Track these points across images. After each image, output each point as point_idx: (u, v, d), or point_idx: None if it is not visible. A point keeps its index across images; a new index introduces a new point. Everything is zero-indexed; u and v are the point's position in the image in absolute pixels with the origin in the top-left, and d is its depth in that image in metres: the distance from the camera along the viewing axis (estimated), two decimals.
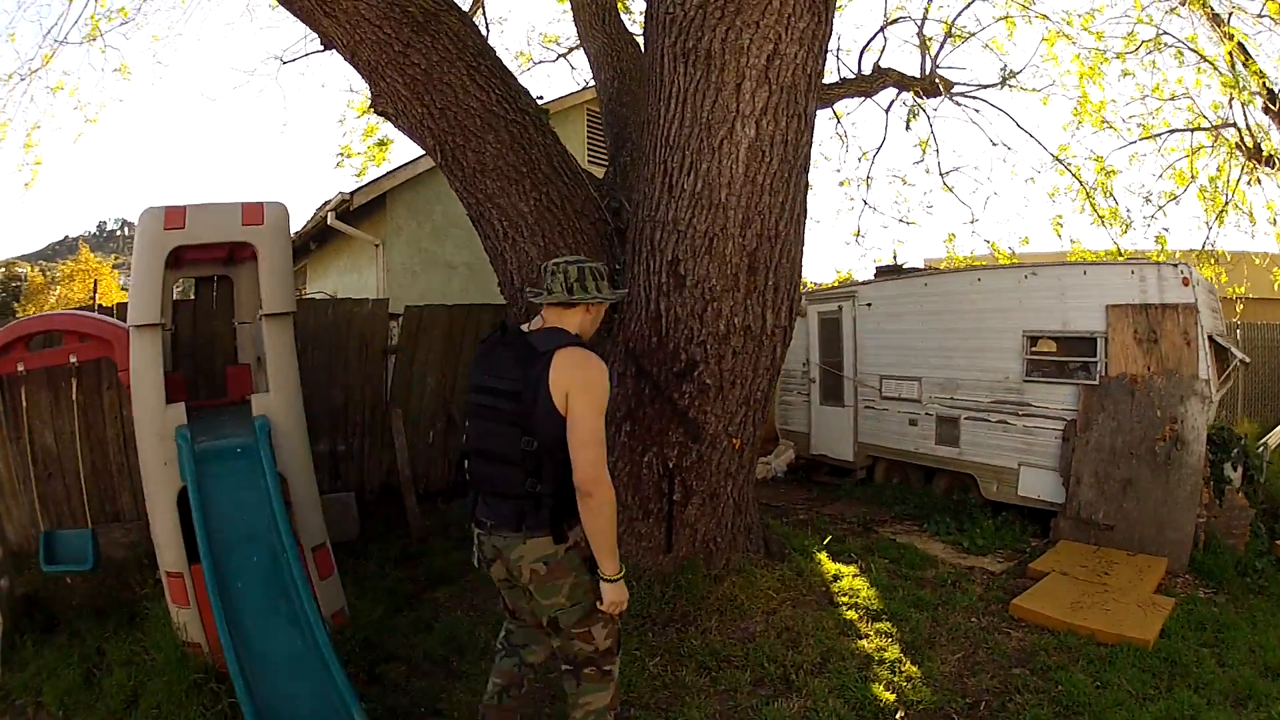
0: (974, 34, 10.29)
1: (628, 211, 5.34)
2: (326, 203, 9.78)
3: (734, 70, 4.36)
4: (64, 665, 4.30)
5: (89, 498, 5.26)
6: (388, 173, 9.92)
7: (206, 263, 5.43)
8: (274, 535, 3.93)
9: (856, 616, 4.85)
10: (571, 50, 12.55)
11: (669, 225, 4.68)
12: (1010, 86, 10.59)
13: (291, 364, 4.57)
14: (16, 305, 32.57)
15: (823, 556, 5.85)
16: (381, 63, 4.96)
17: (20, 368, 4.90)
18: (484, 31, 11.69)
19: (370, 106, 5.50)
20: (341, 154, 12.22)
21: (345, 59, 5.16)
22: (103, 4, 7.81)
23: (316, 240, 11.42)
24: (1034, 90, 10.79)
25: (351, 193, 9.45)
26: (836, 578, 5.47)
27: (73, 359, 4.95)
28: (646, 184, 4.86)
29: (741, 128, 4.42)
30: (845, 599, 5.11)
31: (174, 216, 4.25)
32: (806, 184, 4.85)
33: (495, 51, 5.35)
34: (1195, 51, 10.05)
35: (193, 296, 5.99)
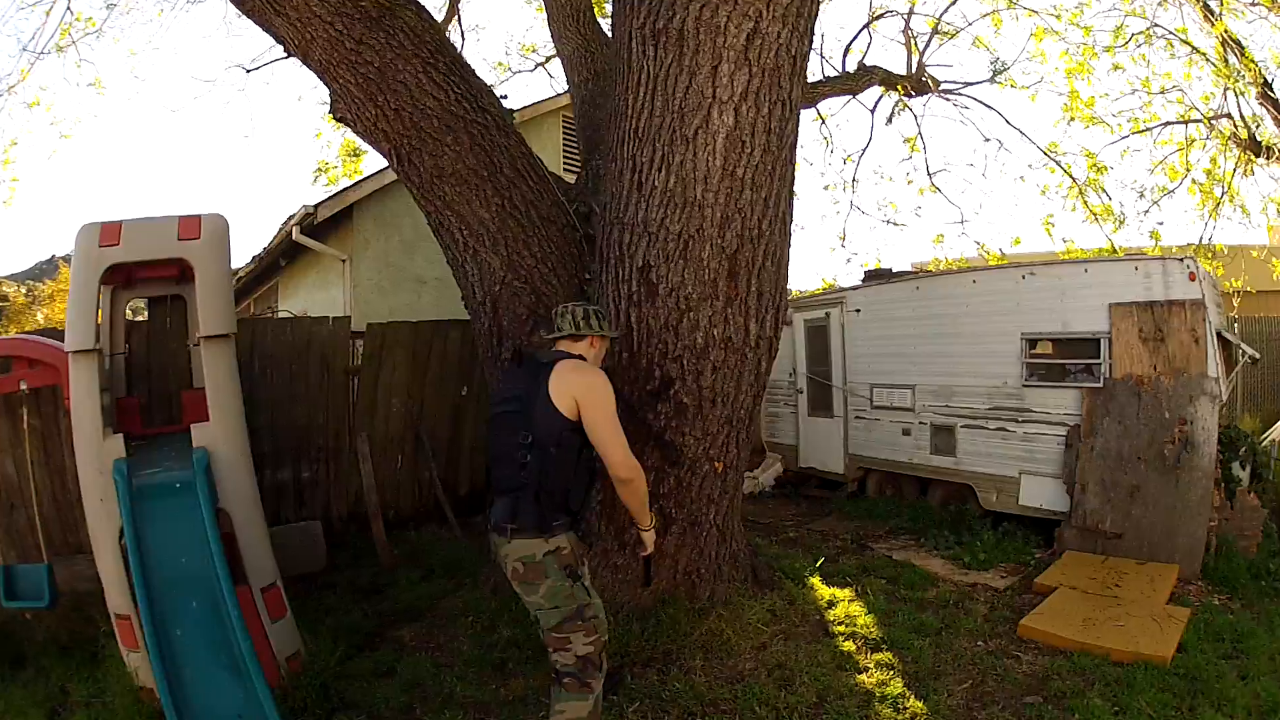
0: (961, 30, 9.99)
1: (597, 216, 4.94)
2: (291, 217, 9.27)
3: (710, 51, 3.95)
4: (29, 704, 4.10)
5: (50, 529, 4.89)
6: (354, 184, 9.42)
7: (158, 281, 5.07)
8: (214, 578, 3.60)
9: (854, 648, 4.45)
10: (549, 59, 12.18)
11: (639, 227, 4.27)
12: (999, 82, 10.30)
13: (233, 390, 4.17)
14: None
15: (815, 581, 5.45)
16: (333, 62, 4.51)
17: None
18: (460, 41, 11.37)
19: (329, 112, 5.08)
20: (319, 169, 11.83)
21: (300, 60, 4.73)
22: (78, 16, 7.39)
23: (286, 257, 10.88)
24: (1023, 88, 10.55)
25: (316, 205, 8.89)
26: (831, 604, 5.07)
27: (23, 385, 4.66)
28: (614, 182, 4.45)
29: (719, 115, 4.02)
30: (841, 628, 4.70)
31: (109, 233, 3.95)
32: (793, 178, 4.45)
33: (455, 48, 4.94)
34: (1186, 43, 9.83)
35: (146, 317, 5.62)
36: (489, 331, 5.06)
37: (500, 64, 12.38)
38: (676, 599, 4.58)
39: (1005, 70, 10.39)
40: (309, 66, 4.72)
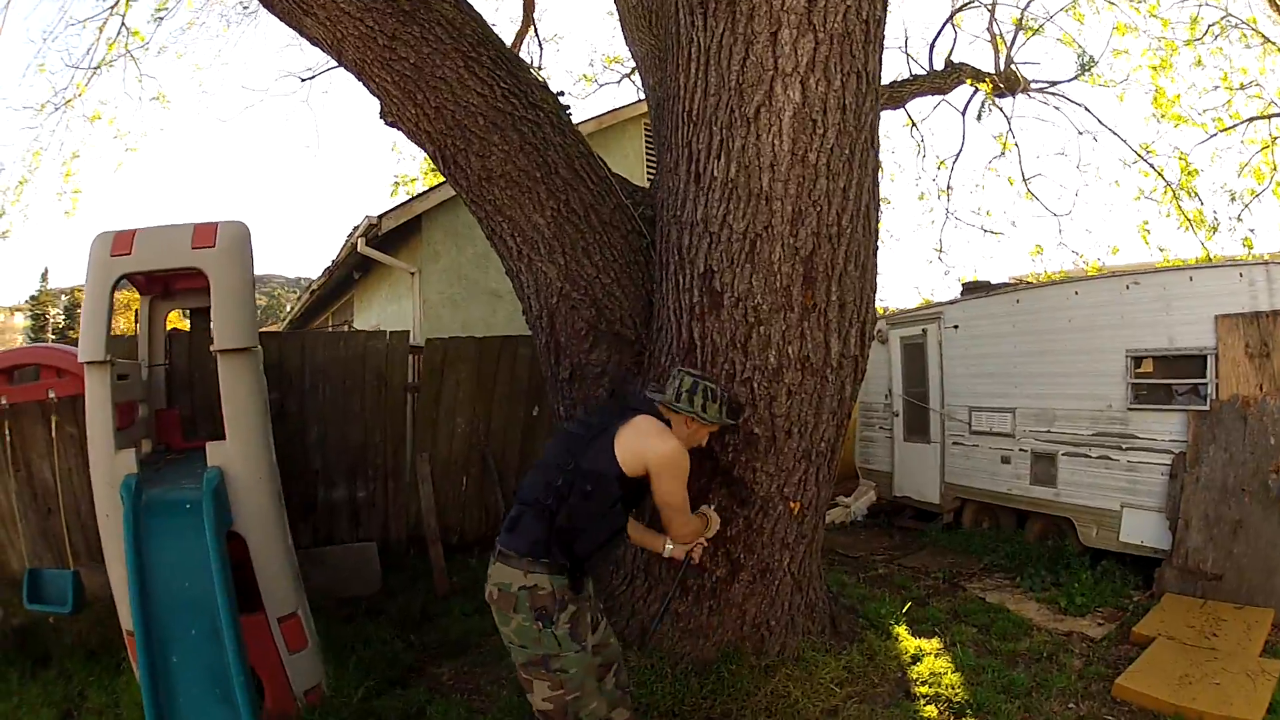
0: (1046, 21, 9.06)
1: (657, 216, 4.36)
2: (356, 228, 8.91)
3: (766, 15, 3.34)
4: (44, 703, 4.05)
5: (87, 536, 4.82)
6: (420, 194, 8.90)
7: (198, 292, 4.75)
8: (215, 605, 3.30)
9: (936, 713, 3.78)
10: (634, 70, 11.61)
11: (698, 226, 3.66)
12: (1088, 78, 9.33)
13: (254, 407, 3.75)
14: (73, 331, 33.55)
15: (901, 630, 4.71)
16: (367, 61, 4.07)
17: (2, 400, 4.57)
18: (538, 50, 10.99)
19: (380, 116, 4.65)
20: (398, 182, 11.55)
21: (336, 61, 4.33)
22: (134, 33, 7.23)
23: (359, 269, 10.52)
24: (1110, 83, 9.58)
25: (380, 216, 8.42)
26: (916, 658, 4.36)
27: (51, 394, 4.49)
28: (670, 175, 3.85)
29: (783, 90, 3.39)
30: (924, 689, 4.01)
31: (121, 242, 3.65)
32: (876, 166, 3.77)
33: (501, 42, 4.41)
34: (1258, 34, 8.83)
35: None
36: (546, 347, 4.51)
37: (585, 76, 11.96)
38: (741, 653, 3.93)
39: (1093, 66, 9.42)
40: (345, 66, 4.32)
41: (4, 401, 4.52)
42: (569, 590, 2.69)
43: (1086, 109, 9.83)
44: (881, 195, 4.10)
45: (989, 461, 7.02)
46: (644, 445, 2.75)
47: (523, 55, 9.92)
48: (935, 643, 4.60)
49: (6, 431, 4.77)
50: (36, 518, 4.92)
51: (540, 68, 10.44)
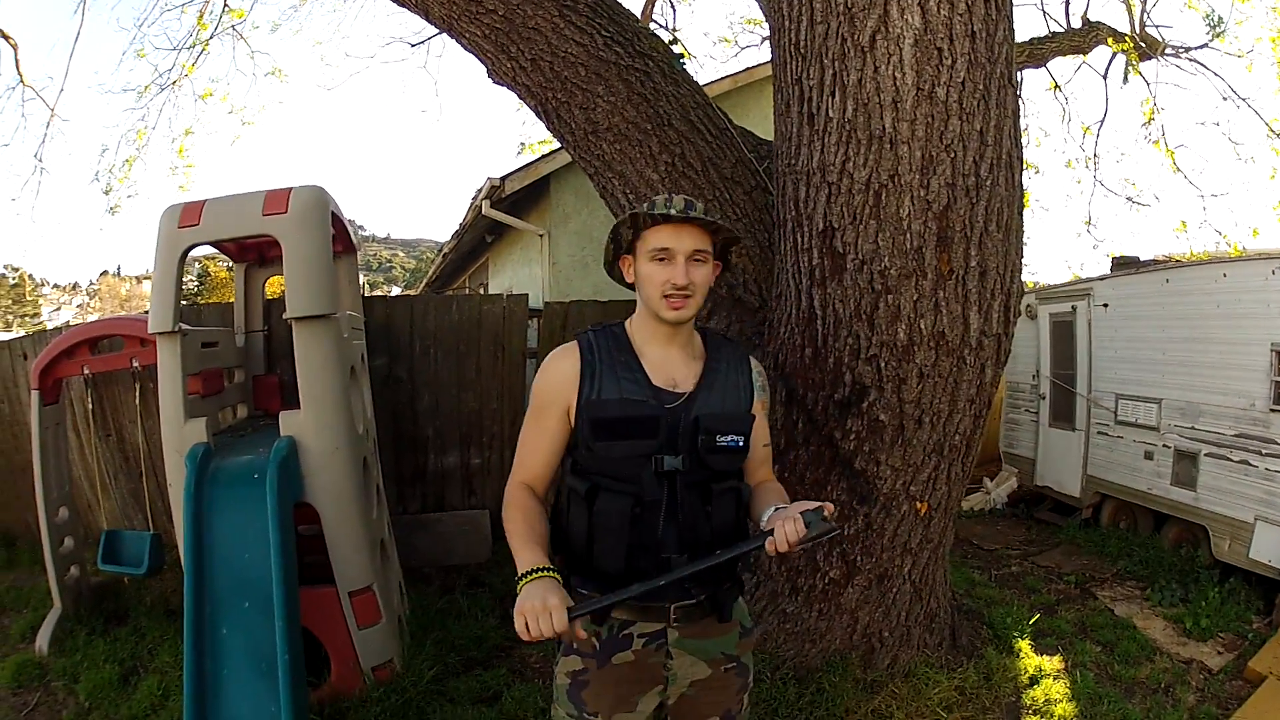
0: None
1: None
2: (480, 190, 8.39)
3: None
4: (110, 659, 3.84)
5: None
6: (545, 155, 8.15)
7: None
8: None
9: None
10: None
11: (815, 175, 2.92)
12: (1216, 41, 7.95)
13: (331, 376, 3.26)
14: (201, 298, 34.88)
15: (1024, 645, 3.92)
16: (454, 16, 3.56)
17: (85, 371, 4.27)
18: (671, 11, 10.25)
19: (488, 77, 4.14)
20: (525, 144, 11.01)
21: (424, 19, 3.85)
22: (238, 13, 6.94)
23: (491, 233, 10.01)
24: (1238, 55, 8.11)
25: (503, 178, 7.78)
26: (1034, 680, 3.61)
27: (134, 363, 4.20)
28: (782, 118, 3.12)
29: (899, 13, 2.64)
30: (1035, 718, 3.31)
31: (190, 212, 3.27)
32: (1016, 107, 2.94)
33: None
34: None
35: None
36: None
37: (725, 39, 11.15)
38: (848, 664, 3.25)
39: (1222, 29, 8.02)
40: (434, 24, 3.86)
41: (87, 372, 4.27)
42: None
43: (1221, 78, 8.47)
44: (1028, 161, 3.28)
45: (1132, 455, 5.94)
46: None
47: (655, 17, 9.17)
48: (1057, 661, 3.87)
49: (90, 400, 4.58)
50: (128, 481, 4.72)
51: (676, 29, 9.66)
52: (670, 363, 1.70)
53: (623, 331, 1.74)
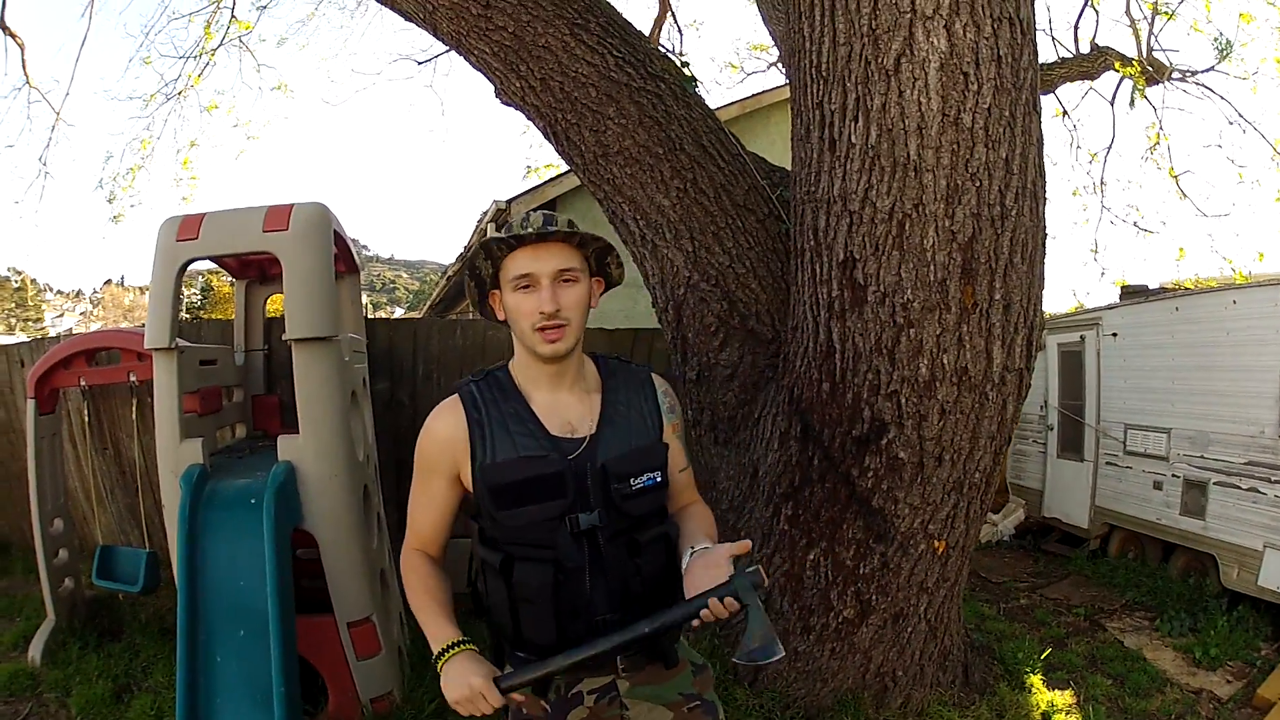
0: (1180, 3, 7.69)
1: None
2: (484, 214, 8.30)
3: None
4: (103, 675, 3.77)
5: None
6: (552, 178, 8.09)
7: None
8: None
9: None
10: (780, 58, 10.67)
11: (836, 203, 2.80)
12: (1224, 62, 7.90)
13: (331, 399, 3.12)
14: (205, 312, 34.50)
15: (1036, 680, 3.81)
16: (463, 33, 3.44)
17: (81, 382, 4.16)
18: (679, 37, 10.15)
19: (495, 97, 4.02)
20: (531, 167, 10.91)
21: (432, 35, 3.72)
22: (245, 25, 6.85)
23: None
24: (1244, 77, 8.06)
25: (509, 201, 7.73)
26: (1047, 715, 3.50)
27: (132, 377, 4.05)
28: (801, 144, 3.00)
29: (925, 36, 2.52)
30: None
31: (189, 226, 3.14)
32: (1040, 134, 2.83)
33: (612, 8, 3.67)
34: None
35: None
36: (672, 344, 3.74)
37: (732, 65, 10.99)
38: (860, 703, 3.10)
39: (1229, 52, 7.96)
40: (443, 41, 3.72)
41: (84, 383, 4.16)
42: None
43: (1228, 101, 8.36)
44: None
45: (1141, 486, 5.82)
46: None
47: (663, 42, 9.06)
48: (1069, 696, 3.76)
49: (87, 412, 4.46)
50: (125, 496, 4.55)
51: (682, 53, 9.56)
52: (562, 405, 1.52)
53: (507, 376, 1.55)
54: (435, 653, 1.41)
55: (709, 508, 1.71)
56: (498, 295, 1.52)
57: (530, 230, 1.43)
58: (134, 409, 4.24)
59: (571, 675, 1.50)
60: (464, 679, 1.35)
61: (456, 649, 1.40)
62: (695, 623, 1.34)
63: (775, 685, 3.19)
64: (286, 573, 2.82)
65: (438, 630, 1.44)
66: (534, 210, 1.52)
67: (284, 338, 3.06)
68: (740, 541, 1.41)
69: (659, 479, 1.52)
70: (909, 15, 2.53)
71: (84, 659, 3.94)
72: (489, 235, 1.47)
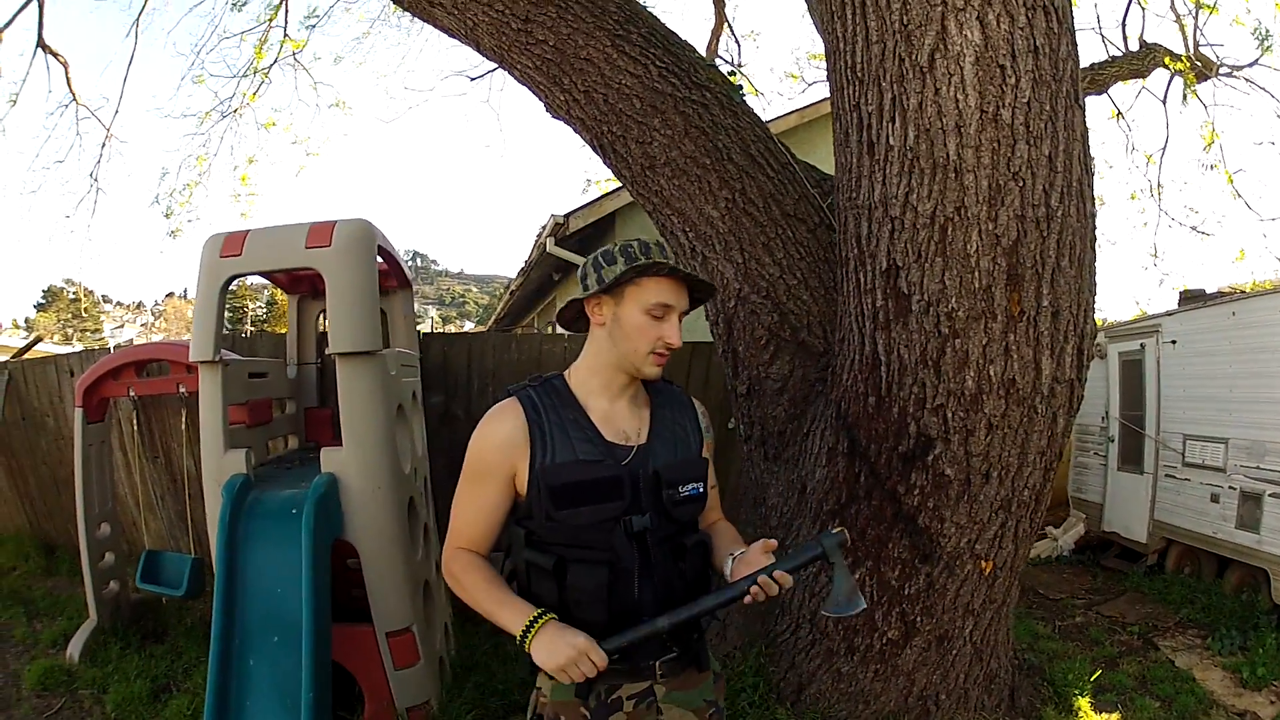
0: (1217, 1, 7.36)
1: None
2: (544, 228, 8.20)
3: None
4: (142, 675, 3.81)
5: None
6: (610, 192, 8.01)
7: None
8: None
9: None
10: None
11: (877, 209, 2.72)
12: (1265, 55, 7.57)
13: (375, 413, 3.13)
14: (268, 325, 35.04)
15: (1084, 703, 3.65)
16: (504, 47, 3.44)
17: (131, 392, 4.23)
18: (736, 48, 10.12)
19: (546, 111, 4.01)
20: (590, 181, 10.90)
21: (475, 50, 3.72)
22: (298, 44, 6.93)
23: (559, 270, 9.76)
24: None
25: (567, 215, 7.70)
26: None
27: (181, 389, 4.12)
28: (841, 148, 2.92)
29: (958, 29, 2.43)
30: None
31: (232, 243, 3.17)
32: (1084, 129, 2.70)
33: (653, 17, 3.63)
34: None
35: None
36: (723, 357, 3.69)
37: (792, 75, 10.87)
38: None
39: (1270, 42, 7.60)
40: (485, 56, 3.71)
41: (133, 394, 4.22)
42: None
43: (1269, 93, 7.97)
44: (1095, 191, 3.03)
45: (1198, 499, 5.56)
46: None
47: (720, 53, 8.99)
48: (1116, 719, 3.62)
49: (136, 421, 4.54)
50: (175, 503, 4.60)
51: (740, 64, 9.43)
52: (617, 415, 1.58)
53: (564, 384, 1.61)
54: (520, 629, 1.42)
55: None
56: (603, 302, 1.57)
57: (682, 269, 1.54)
58: (184, 420, 4.32)
59: (612, 680, 1.52)
60: (566, 642, 1.38)
61: (543, 619, 1.43)
62: (747, 598, 1.42)
63: (817, 705, 3.09)
64: (323, 582, 2.83)
65: (515, 607, 1.47)
66: (665, 245, 1.62)
67: (327, 352, 3.09)
68: (766, 540, 1.51)
69: (701, 489, 1.59)
70: (940, 8, 2.44)
71: (124, 659, 3.98)
72: (637, 252, 1.52)
